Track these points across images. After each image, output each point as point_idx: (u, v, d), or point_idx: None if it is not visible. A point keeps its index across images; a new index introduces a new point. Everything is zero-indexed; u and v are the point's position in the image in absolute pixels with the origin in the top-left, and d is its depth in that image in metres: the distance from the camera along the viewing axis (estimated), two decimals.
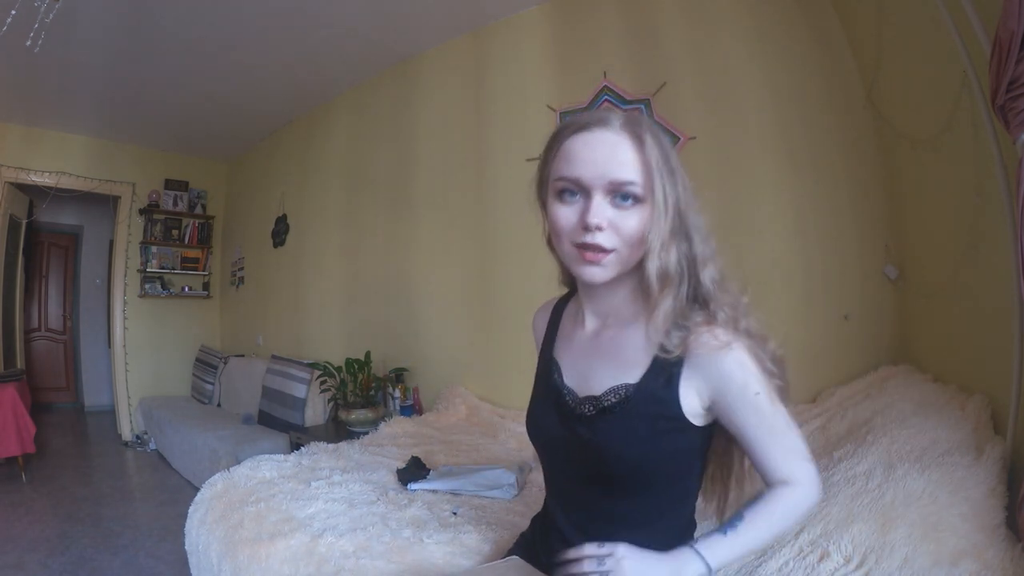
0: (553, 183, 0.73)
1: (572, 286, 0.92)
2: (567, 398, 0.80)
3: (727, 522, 0.71)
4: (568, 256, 0.73)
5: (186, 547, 1.42)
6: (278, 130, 4.30)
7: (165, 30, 2.75)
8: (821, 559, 0.95)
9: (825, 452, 1.34)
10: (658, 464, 0.74)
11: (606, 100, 2.31)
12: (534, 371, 0.93)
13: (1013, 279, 1.03)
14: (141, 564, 2.24)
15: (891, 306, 1.78)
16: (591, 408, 0.76)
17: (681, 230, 0.71)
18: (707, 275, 0.72)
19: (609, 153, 0.69)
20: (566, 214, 0.71)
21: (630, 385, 0.74)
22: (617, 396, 0.74)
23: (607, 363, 0.78)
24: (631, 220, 0.69)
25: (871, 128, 1.79)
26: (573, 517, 0.81)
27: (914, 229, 1.69)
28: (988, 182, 1.23)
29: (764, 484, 0.74)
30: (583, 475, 0.79)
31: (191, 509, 1.47)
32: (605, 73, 2.32)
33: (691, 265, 0.72)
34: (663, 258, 0.70)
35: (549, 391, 0.83)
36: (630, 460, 0.73)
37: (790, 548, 0.99)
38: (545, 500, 0.92)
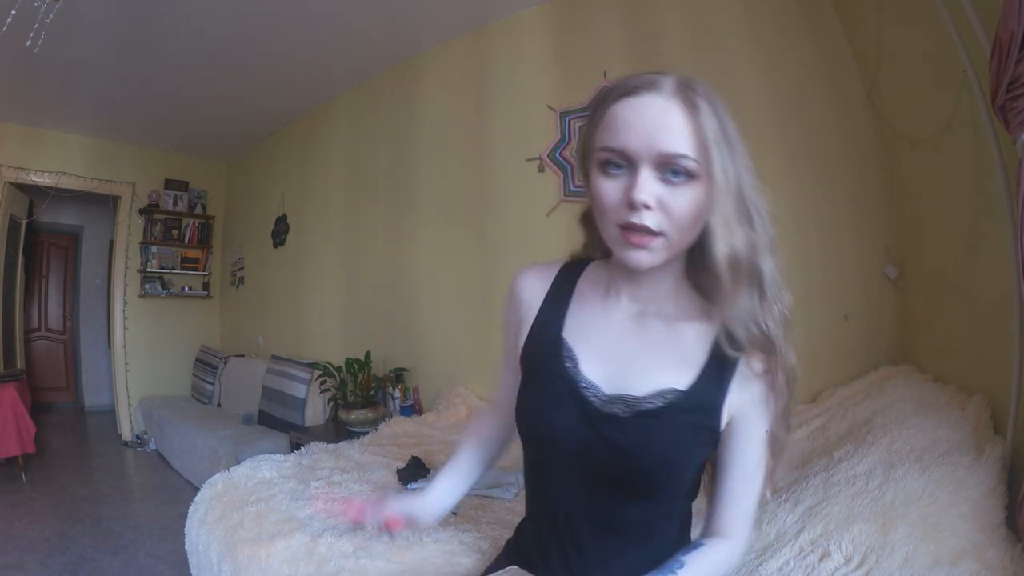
0: (597, 153, 0.63)
1: (584, 259, 0.80)
2: (587, 393, 0.68)
3: (666, 567, 0.68)
4: (611, 238, 0.64)
5: (186, 547, 1.42)
6: (278, 130, 4.30)
7: (165, 30, 2.75)
8: (822, 558, 0.95)
9: (825, 452, 1.35)
10: (689, 472, 0.70)
11: None
12: (511, 352, 0.80)
13: (1013, 279, 1.03)
14: (141, 564, 2.24)
15: (891, 306, 1.78)
16: (624, 409, 0.67)
17: (744, 212, 0.62)
18: (768, 266, 0.64)
19: (658, 121, 0.60)
20: (610, 189, 0.62)
21: (679, 391, 0.66)
22: (663, 400, 0.66)
23: (651, 360, 0.68)
24: (682, 199, 0.60)
25: (871, 128, 1.79)
26: (571, 524, 0.72)
27: (914, 229, 1.69)
28: (988, 182, 1.23)
29: (707, 517, 0.73)
30: (598, 481, 0.69)
31: (191, 509, 1.47)
32: (605, 73, 2.32)
33: (752, 253, 0.63)
34: (731, 243, 0.61)
35: (557, 381, 0.70)
36: (668, 468, 0.67)
37: (791, 548, 0.99)
38: (529, 506, 0.80)
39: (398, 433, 2.27)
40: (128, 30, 2.73)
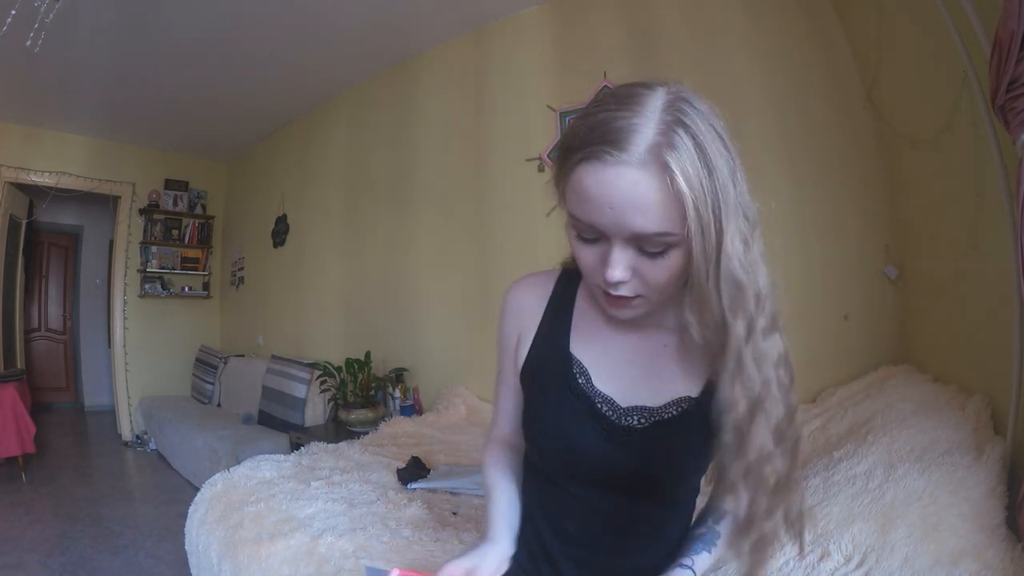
0: (568, 215, 0.59)
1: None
2: (603, 408, 0.68)
3: (706, 538, 0.71)
4: (593, 289, 0.63)
5: (186, 547, 1.42)
6: (278, 130, 4.30)
7: (165, 30, 2.75)
8: (821, 558, 0.95)
9: (825, 452, 1.35)
10: (702, 473, 0.71)
11: None
12: (509, 364, 0.77)
13: (1013, 279, 1.03)
14: (141, 564, 2.24)
15: (891, 306, 1.78)
16: (641, 420, 0.67)
17: (716, 286, 0.56)
18: (760, 351, 0.58)
19: (627, 199, 0.52)
20: (587, 255, 0.60)
21: (692, 398, 0.67)
22: (678, 409, 0.67)
23: (662, 372, 0.68)
24: (659, 269, 0.56)
25: (871, 128, 1.79)
26: (584, 531, 0.71)
27: (914, 229, 1.69)
28: (988, 182, 1.23)
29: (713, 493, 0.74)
30: (615, 489, 0.69)
31: (191, 509, 1.47)
32: (605, 73, 2.32)
33: (718, 331, 0.58)
34: (703, 335, 0.59)
35: (572, 397, 0.69)
36: (687, 473, 0.69)
37: (791, 547, 0.99)
38: (534, 516, 0.76)
39: (398, 433, 2.27)
40: (128, 30, 2.73)
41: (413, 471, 1.68)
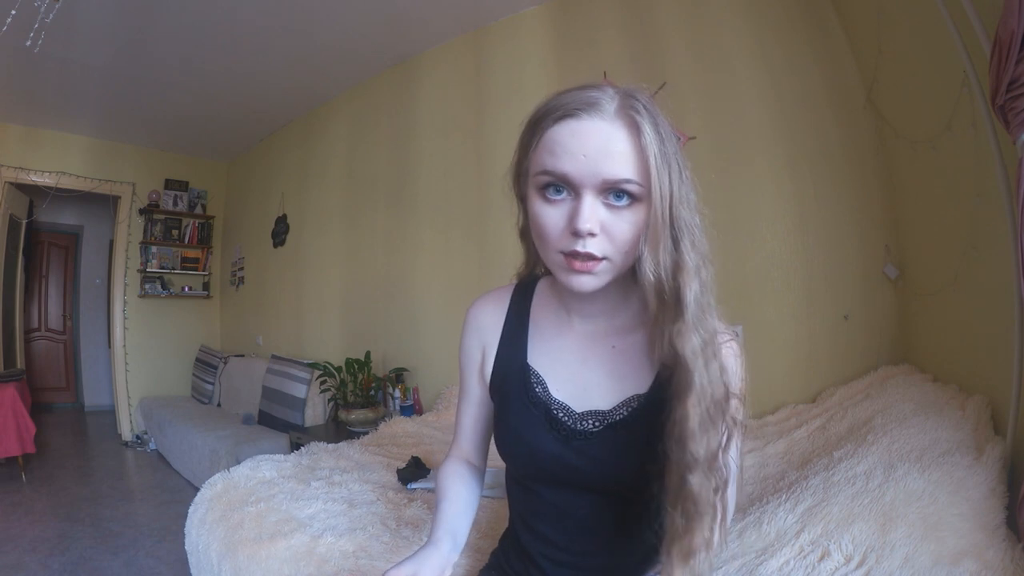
0: (535, 177, 0.62)
1: (532, 277, 0.81)
2: (559, 414, 0.71)
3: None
4: (553, 263, 0.64)
5: (186, 547, 1.42)
6: (278, 130, 4.30)
7: (165, 30, 2.75)
8: (822, 558, 0.95)
9: (825, 452, 1.35)
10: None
11: None
12: (471, 381, 0.80)
13: (1013, 279, 1.03)
14: (141, 564, 2.24)
15: (891, 306, 1.79)
16: (595, 424, 0.69)
17: (673, 234, 0.61)
18: (691, 289, 0.61)
19: (602, 145, 0.58)
20: (552, 216, 0.61)
21: (640, 396, 0.68)
22: (628, 409, 0.68)
23: (612, 374, 0.70)
24: (625, 223, 0.60)
25: (871, 128, 1.79)
26: (558, 532, 0.73)
27: (914, 229, 1.70)
28: (988, 182, 1.23)
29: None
30: (580, 491, 0.71)
31: (191, 509, 1.47)
32: (605, 73, 2.32)
33: (677, 276, 0.61)
34: (655, 269, 0.61)
35: (530, 406, 0.72)
36: (640, 472, 0.68)
37: (791, 548, 0.99)
38: (513, 517, 0.81)
39: (398, 433, 2.27)
40: (128, 30, 2.73)
41: (413, 471, 1.68)
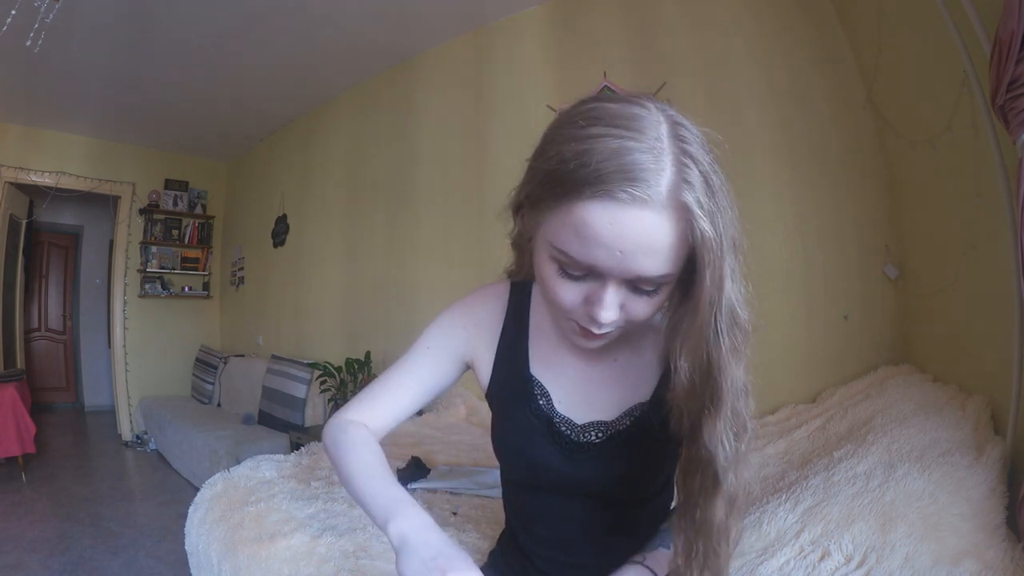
0: (553, 248, 0.52)
1: (527, 278, 0.75)
2: (562, 427, 0.69)
3: (662, 535, 0.70)
4: (562, 323, 0.59)
5: (186, 547, 1.42)
6: (278, 130, 4.30)
7: (165, 30, 2.75)
8: (822, 558, 0.95)
9: (825, 452, 1.35)
10: (663, 472, 0.71)
11: None
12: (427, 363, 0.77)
13: (1013, 279, 1.03)
14: (141, 564, 2.24)
15: (891, 306, 1.78)
16: (598, 435, 0.68)
17: (714, 324, 0.53)
18: (729, 379, 0.54)
19: (643, 241, 0.48)
20: (568, 291, 0.54)
21: (644, 403, 0.68)
22: (632, 418, 0.68)
23: (615, 385, 0.69)
24: (646, 305, 0.54)
25: (871, 128, 1.79)
26: (559, 535, 0.73)
27: (914, 229, 1.69)
28: (988, 182, 1.23)
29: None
30: (584, 498, 0.71)
31: (191, 509, 1.47)
32: (605, 73, 2.32)
33: (708, 363, 0.55)
34: (692, 371, 0.55)
35: (532, 418, 0.70)
36: (650, 477, 0.70)
37: (791, 547, 0.99)
38: (510, 519, 0.81)
39: (398, 433, 2.27)
40: (128, 30, 2.73)
41: (413, 471, 1.68)
